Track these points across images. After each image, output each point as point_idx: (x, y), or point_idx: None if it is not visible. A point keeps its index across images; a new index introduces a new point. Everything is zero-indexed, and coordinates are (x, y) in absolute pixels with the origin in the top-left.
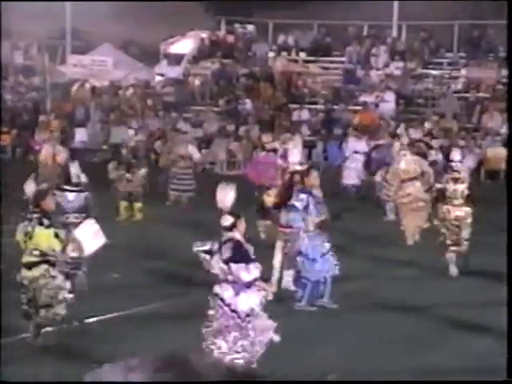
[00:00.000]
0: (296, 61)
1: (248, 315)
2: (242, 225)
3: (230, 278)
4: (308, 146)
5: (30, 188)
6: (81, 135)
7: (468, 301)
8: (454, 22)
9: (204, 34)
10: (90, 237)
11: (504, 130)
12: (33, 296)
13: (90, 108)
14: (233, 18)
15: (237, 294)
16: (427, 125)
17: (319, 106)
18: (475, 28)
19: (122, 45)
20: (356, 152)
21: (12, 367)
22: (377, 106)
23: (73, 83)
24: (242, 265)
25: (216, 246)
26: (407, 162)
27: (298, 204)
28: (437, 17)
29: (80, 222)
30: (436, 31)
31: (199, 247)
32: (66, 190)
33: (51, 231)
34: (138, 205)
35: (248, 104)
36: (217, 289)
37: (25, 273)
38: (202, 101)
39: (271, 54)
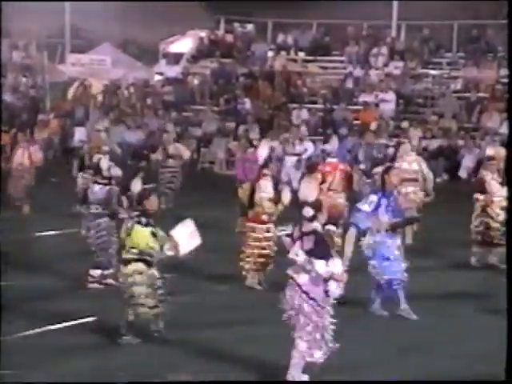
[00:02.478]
0: (295, 60)
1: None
2: (322, 217)
3: (308, 267)
4: None
5: (136, 187)
6: (80, 134)
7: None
8: (453, 21)
9: (203, 34)
10: (187, 237)
11: (503, 129)
12: (128, 292)
13: (89, 107)
14: (232, 17)
15: (314, 283)
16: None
17: (318, 106)
18: (474, 28)
19: (121, 44)
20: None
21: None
22: (377, 105)
23: (72, 82)
24: (323, 261)
25: (297, 233)
26: (410, 162)
27: (366, 206)
28: (436, 17)
29: (98, 214)
30: (435, 31)
31: (282, 230)
32: (95, 182)
33: (148, 230)
34: None
35: (247, 103)
36: (292, 273)
37: (122, 269)
38: (201, 100)
39: (270, 54)
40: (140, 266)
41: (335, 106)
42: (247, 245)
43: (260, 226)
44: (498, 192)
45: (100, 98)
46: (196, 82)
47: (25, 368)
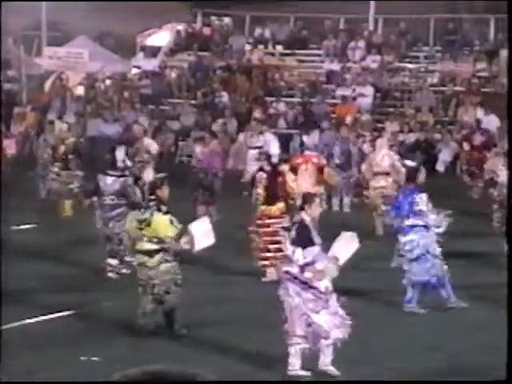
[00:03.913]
0: (273, 54)
1: (326, 289)
2: (312, 208)
3: (294, 258)
4: (285, 139)
5: (148, 176)
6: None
7: None
8: (430, 15)
9: (180, 27)
10: (202, 234)
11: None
12: (151, 282)
13: (66, 100)
14: (209, 10)
15: (302, 271)
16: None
17: (296, 99)
18: (451, 22)
19: (98, 37)
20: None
21: None
22: (354, 99)
23: (48, 75)
24: (299, 249)
25: (288, 225)
26: (383, 156)
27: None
28: (413, 10)
29: (115, 204)
30: (412, 25)
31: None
32: (108, 175)
33: (168, 218)
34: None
35: (225, 97)
36: (286, 266)
37: (143, 259)
38: (179, 93)
39: (248, 47)
40: (161, 255)
41: (313, 100)
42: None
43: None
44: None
45: (77, 90)
46: (173, 75)
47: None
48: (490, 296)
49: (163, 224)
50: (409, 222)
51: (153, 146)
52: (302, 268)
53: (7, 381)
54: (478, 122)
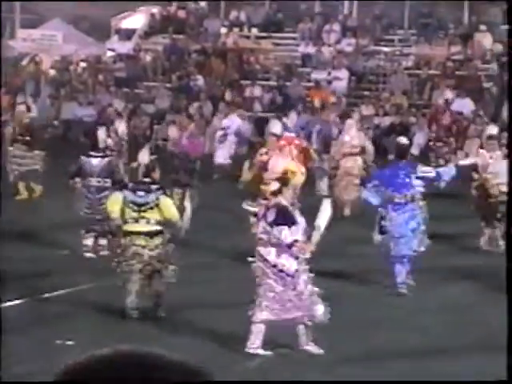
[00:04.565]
0: (248, 37)
1: (295, 272)
2: (288, 191)
3: (273, 240)
4: (260, 123)
5: (144, 157)
6: (32, 110)
7: None
8: None
9: (155, 9)
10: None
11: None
12: (148, 266)
13: (40, 83)
14: None
15: (279, 255)
16: None
17: (271, 83)
18: (426, 5)
19: (72, 19)
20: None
21: None
22: (329, 83)
23: (22, 58)
24: (284, 227)
25: (262, 212)
26: (352, 137)
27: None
28: None
29: (101, 186)
30: (387, 8)
31: (249, 206)
32: (91, 156)
33: (171, 200)
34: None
35: (200, 80)
36: (261, 251)
37: (141, 241)
38: (154, 76)
39: (223, 30)
40: (162, 237)
41: (288, 83)
42: None
43: None
44: (495, 170)
45: (51, 73)
46: (148, 58)
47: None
48: (466, 277)
49: (170, 206)
50: (401, 196)
51: (120, 129)
52: (290, 246)
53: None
54: (447, 102)
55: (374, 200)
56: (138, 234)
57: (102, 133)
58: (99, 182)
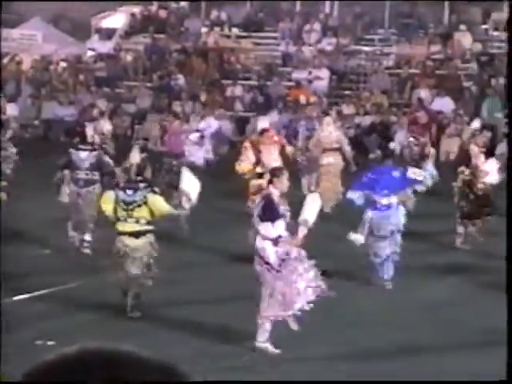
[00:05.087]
0: (229, 36)
1: (280, 265)
2: (279, 182)
3: (262, 232)
4: (241, 122)
5: (135, 157)
6: (12, 110)
7: None
8: None
9: (136, 9)
10: (192, 185)
11: (436, 106)
12: (131, 265)
13: (20, 82)
14: None
15: (268, 248)
16: None
17: (252, 82)
18: (406, 5)
19: (52, 19)
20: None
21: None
22: (310, 82)
23: (2, 57)
24: (268, 223)
25: (256, 203)
26: (329, 133)
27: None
28: None
29: (89, 179)
30: (368, 7)
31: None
32: (80, 149)
33: (160, 197)
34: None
35: (181, 79)
36: (257, 243)
37: (127, 240)
38: (135, 76)
39: (204, 30)
40: (149, 237)
41: (269, 83)
42: None
43: None
44: (484, 165)
45: (31, 73)
46: (129, 57)
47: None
48: (445, 275)
49: (160, 201)
50: (385, 199)
51: (105, 127)
52: (276, 240)
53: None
54: (420, 100)
55: (359, 200)
56: (126, 233)
57: (90, 129)
58: (87, 174)
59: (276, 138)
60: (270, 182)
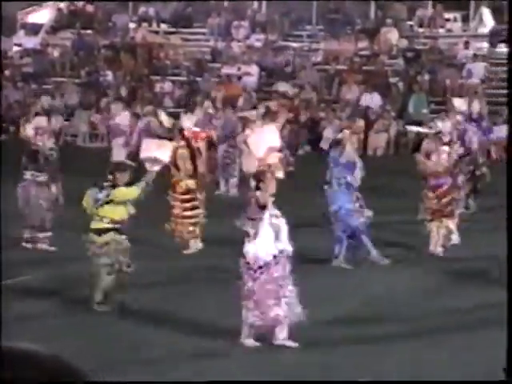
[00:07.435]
0: (157, 32)
1: (260, 267)
2: (265, 186)
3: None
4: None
5: (119, 156)
6: None
7: None
8: None
9: (62, 4)
10: (156, 148)
11: (364, 102)
12: (103, 261)
13: None
14: None
15: (251, 247)
16: None
17: (182, 78)
18: (333, 1)
19: None
20: None
21: None
22: (239, 78)
23: None
24: (249, 222)
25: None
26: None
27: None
28: None
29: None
30: (295, 4)
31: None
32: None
33: (129, 187)
34: None
35: (109, 75)
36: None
37: (96, 239)
38: (62, 72)
39: (132, 25)
40: (115, 235)
41: (198, 78)
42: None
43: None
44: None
45: None
46: (56, 53)
47: None
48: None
49: (124, 190)
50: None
51: (41, 124)
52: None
53: None
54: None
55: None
56: (93, 231)
57: (29, 128)
58: (32, 175)
59: (203, 135)
60: (257, 187)
